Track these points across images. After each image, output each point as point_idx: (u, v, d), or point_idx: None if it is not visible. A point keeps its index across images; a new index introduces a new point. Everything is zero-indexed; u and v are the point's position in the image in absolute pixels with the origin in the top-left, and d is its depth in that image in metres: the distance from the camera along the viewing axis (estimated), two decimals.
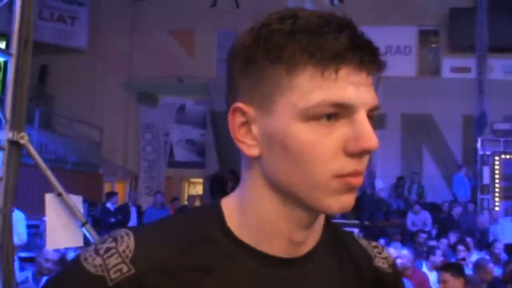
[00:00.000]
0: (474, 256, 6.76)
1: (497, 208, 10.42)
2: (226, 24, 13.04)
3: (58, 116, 13.53)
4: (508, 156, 10.70)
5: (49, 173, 2.92)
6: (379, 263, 0.88)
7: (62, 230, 2.90)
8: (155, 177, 14.14)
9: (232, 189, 0.78)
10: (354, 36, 0.68)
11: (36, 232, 8.07)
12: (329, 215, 0.78)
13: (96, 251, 0.72)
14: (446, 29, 13.01)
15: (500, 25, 11.45)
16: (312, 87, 0.68)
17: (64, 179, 3.30)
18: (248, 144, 0.73)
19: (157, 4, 13.79)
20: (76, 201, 3.00)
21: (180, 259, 0.72)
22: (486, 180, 10.66)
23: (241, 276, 0.73)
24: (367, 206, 10.19)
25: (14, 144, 2.82)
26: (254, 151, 0.73)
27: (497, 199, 10.61)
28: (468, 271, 5.44)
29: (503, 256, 7.12)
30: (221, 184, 11.70)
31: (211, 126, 13.64)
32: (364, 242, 0.90)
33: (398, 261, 5.26)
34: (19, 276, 4.52)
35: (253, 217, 0.75)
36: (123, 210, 10.27)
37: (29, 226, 8.07)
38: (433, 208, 10.76)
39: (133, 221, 10.15)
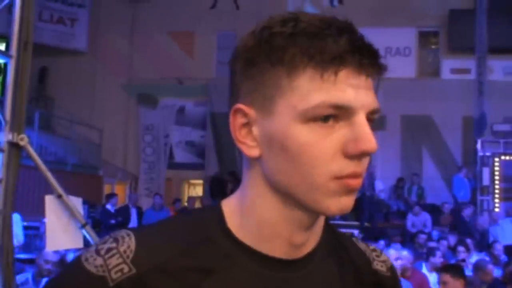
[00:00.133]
0: (474, 257, 6.75)
1: (497, 209, 10.41)
2: (225, 25, 13.07)
3: (58, 118, 13.53)
4: (508, 157, 10.69)
5: (49, 174, 2.91)
6: (378, 266, 0.88)
7: (62, 231, 2.90)
8: (155, 179, 14.13)
9: (232, 191, 0.79)
10: (353, 39, 0.69)
11: (36, 233, 8.08)
12: (328, 216, 0.78)
13: (97, 252, 0.73)
14: (446, 30, 12.99)
15: (500, 26, 11.45)
16: (312, 89, 0.68)
17: (64, 181, 3.30)
18: (249, 145, 0.73)
19: (157, 6, 13.79)
20: (76, 202, 3.00)
21: (181, 260, 0.73)
22: (486, 181, 10.64)
23: (241, 277, 0.74)
24: (367, 207, 10.19)
25: (14, 146, 2.82)
26: (254, 152, 0.73)
27: (497, 200, 10.60)
28: (468, 272, 5.43)
29: (503, 257, 7.10)
30: (221, 185, 11.73)
31: (211, 127, 13.63)
32: (362, 245, 0.90)
33: (398, 262, 5.26)
34: (18, 277, 4.52)
35: (254, 218, 0.75)
36: (123, 212, 10.26)
37: (29, 228, 8.08)
38: (433, 210, 10.76)
39: (133, 222, 10.14)
